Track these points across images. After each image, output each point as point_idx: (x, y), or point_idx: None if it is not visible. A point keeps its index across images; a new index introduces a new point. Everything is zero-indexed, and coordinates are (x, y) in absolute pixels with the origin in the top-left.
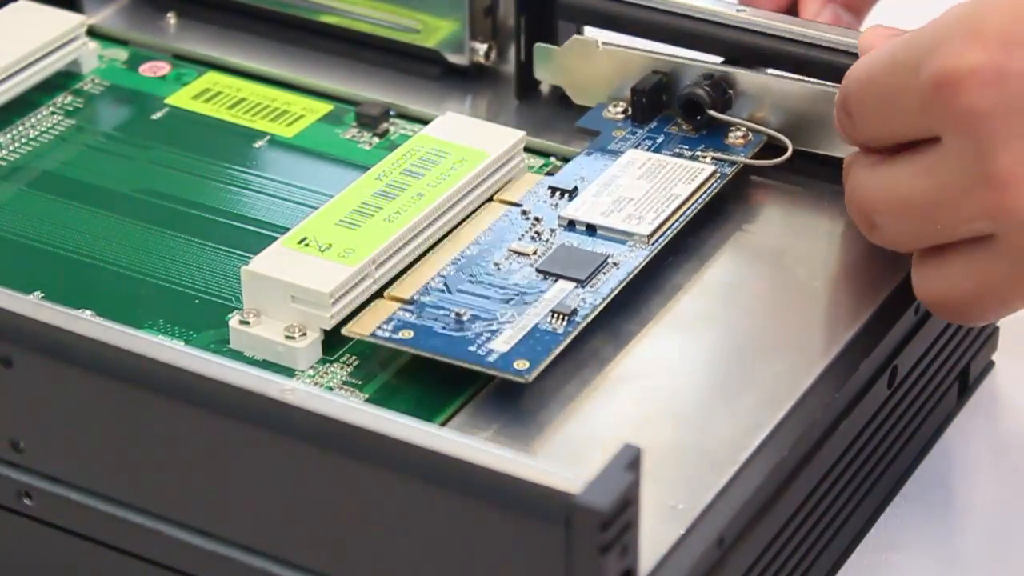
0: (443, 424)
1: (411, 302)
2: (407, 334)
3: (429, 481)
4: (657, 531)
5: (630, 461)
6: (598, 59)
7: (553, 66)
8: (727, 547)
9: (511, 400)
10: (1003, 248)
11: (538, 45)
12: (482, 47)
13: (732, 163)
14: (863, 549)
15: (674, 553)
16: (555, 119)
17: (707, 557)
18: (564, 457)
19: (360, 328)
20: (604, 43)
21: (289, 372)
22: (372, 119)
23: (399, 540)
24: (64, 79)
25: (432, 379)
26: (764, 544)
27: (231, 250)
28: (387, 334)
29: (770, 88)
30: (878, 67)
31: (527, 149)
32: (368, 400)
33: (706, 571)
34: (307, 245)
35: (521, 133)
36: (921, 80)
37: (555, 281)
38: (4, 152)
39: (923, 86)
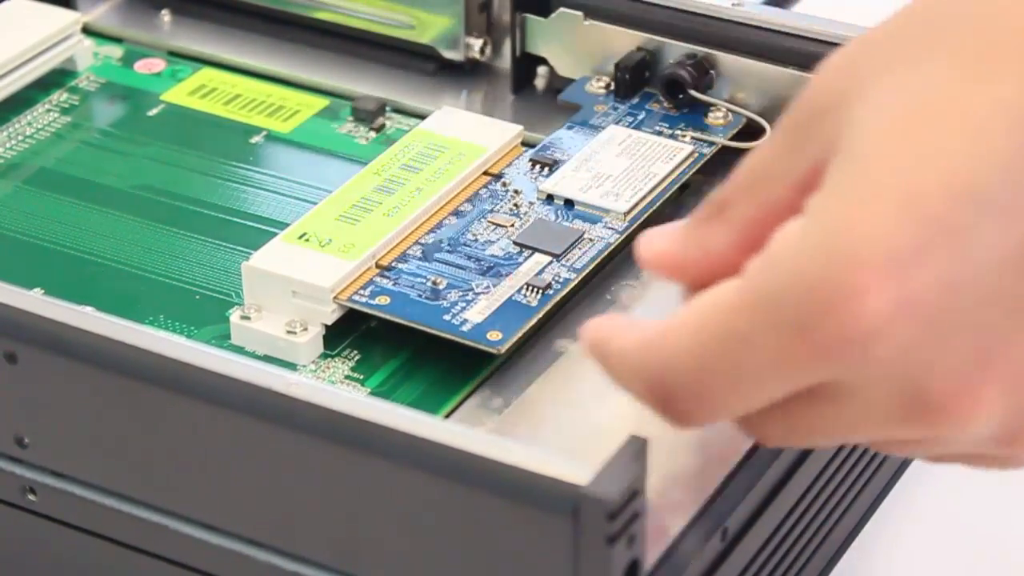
0: (446, 417)
1: (389, 269)
2: (383, 300)
3: (436, 473)
4: (661, 522)
5: (636, 452)
6: (583, 33)
7: (540, 38)
8: (731, 538)
9: (515, 392)
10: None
11: (528, 16)
12: (477, 42)
13: (711, 144)
14: (866, 537)
15: (678, 544)
16: (551, 114)
17: (711, 548)
18: (569, 448)
19: (341, 293)
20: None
21: (291, 367)
22: (368, 114)
23: (405, 532)
24: (59, 76)
25: (434, 373)
26: (767, 534)
27: (231, 245)
28: (364, 299)
29: (751, 71)
30: (717, 345)
31: (524, 143)
32: (370, 394)
33: (710, 562)
34: (307, 240)
35: (518, 128)
36: (807, 341)
37: (531, 254)
38: (1, 149)
39: (812, 348)
